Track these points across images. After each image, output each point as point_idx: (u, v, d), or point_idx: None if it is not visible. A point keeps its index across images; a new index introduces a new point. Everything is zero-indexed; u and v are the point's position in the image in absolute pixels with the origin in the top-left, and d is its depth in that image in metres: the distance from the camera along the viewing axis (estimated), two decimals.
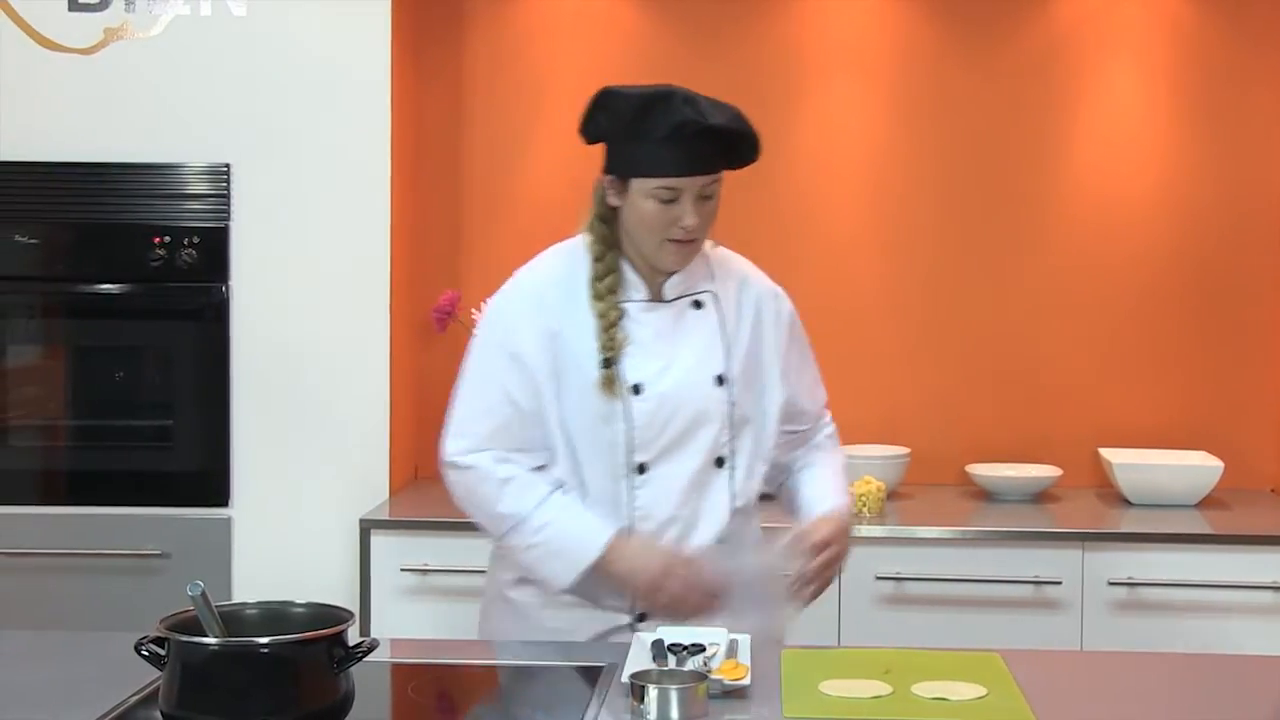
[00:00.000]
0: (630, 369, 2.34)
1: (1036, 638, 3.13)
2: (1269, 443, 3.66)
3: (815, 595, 2.36)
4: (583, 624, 2.37)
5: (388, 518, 3.34)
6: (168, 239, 3.43)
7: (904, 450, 3.60)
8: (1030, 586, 3.19)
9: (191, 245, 3.43)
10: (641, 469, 2.35)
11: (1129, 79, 3.68)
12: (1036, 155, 3.71)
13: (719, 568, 2.30)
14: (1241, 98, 3.65)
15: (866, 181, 3.69)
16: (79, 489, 3.46)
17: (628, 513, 2.34)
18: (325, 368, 3.46)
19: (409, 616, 3.26)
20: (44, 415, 3.49)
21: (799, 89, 3.70)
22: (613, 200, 2.36)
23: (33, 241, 3.44)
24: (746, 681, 2.03)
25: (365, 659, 1.87)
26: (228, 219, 3.45)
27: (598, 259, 2.37)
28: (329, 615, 1.91)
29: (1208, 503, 3.49)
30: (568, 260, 2.42)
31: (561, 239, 3.72)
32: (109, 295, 3.45)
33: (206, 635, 1.83)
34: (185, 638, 1.81)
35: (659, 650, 2.12)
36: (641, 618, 2.38)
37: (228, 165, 3.43)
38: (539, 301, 2.38)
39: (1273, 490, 3.66)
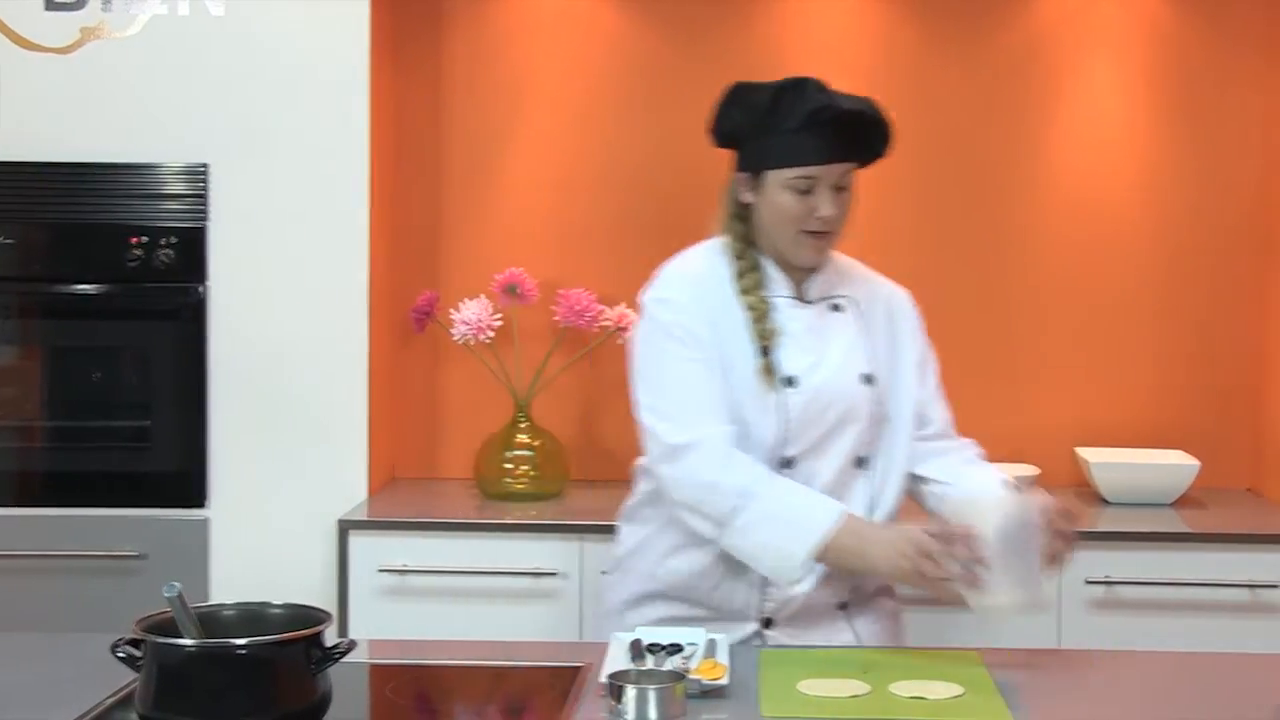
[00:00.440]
0: (784, 361, 2.34)
1: (1013, 636, 3.12)
2: (1245, 442, 3.68)
3: (1064, 559, 2.20)
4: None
5: (366, 518, 3.34)
6: (145, 239, 3.42)
7: None
8: None
9: (169, 245, 3.42)
10: (788, 463, 2.35)
11: (1108, 79, 3.69)
12: (1015, 154, 3.72)
13: (972, 533, 2.12)
14: (1219, 98, 3.67)
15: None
16: (55, 490, 3.45)
17: None
18: (303, 368, 3.45)
19: (387, 617, 3.26)
20: (20, 416, 3.48)
21: None
22: (747, 197, 2.37)
23: (8, 241, 3.43)
24: (724, 681, 2.03)
25: (343, 660, 1.87)
26: (205, 219, 3.44)
27: (738, 257, 2.38)
28: (306, 616, 1.91)
29: (1184, 501, 3.50)
30: (710, 258, 2.42)
31: (543, 239, 3.75)
32: (86, 296, 3.44)
33: (183, 636, 1.83)
34: (162, 639, 1.81)
35: (637, 650, 2.13)
36: (768, 623, 2.37)
37: (205, 165, 3.42)
38: (699, 290, 2.37)
39: (1248, 489, 3.68)
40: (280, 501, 3.44)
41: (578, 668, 2.13)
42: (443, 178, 3.78)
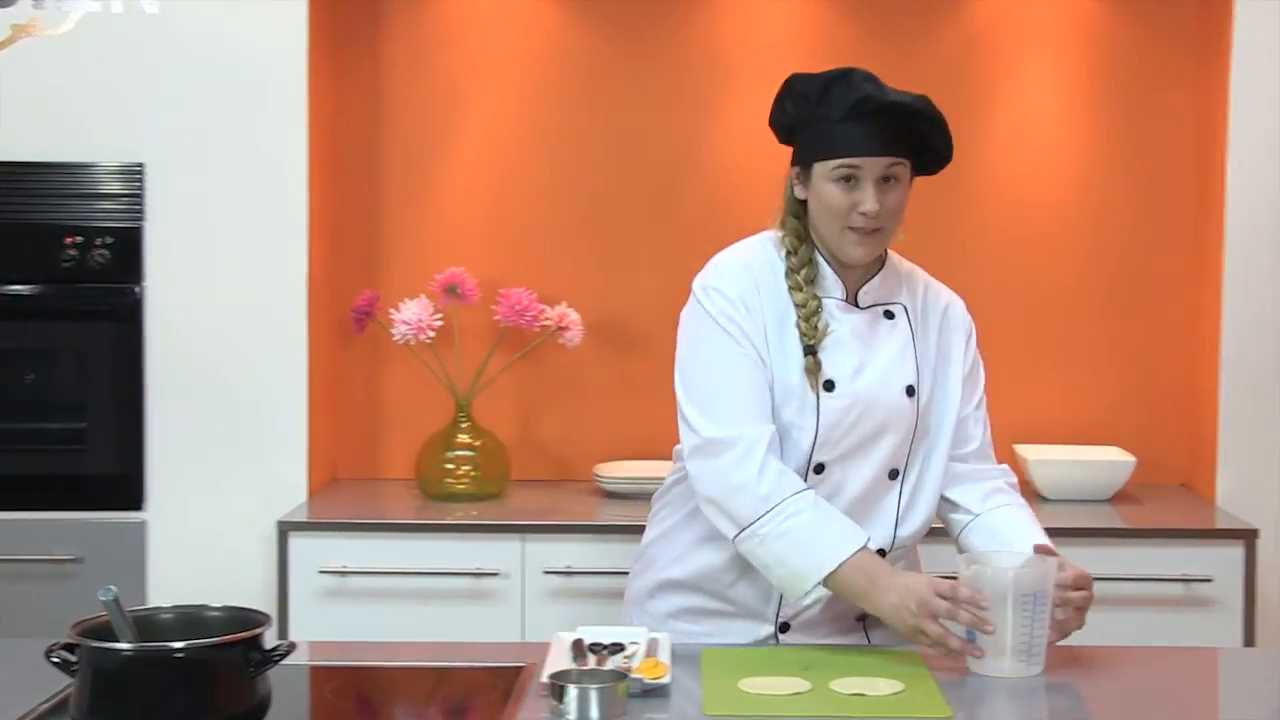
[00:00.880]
0: (826, 364, 2.29)
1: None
2: (1179, 438, 3.73)
3: (1070, 632, 2.20)
4: (721, 636, 2.35)
5: (306, 520, 3.32)
6: (80, 239, 3.38)
7: None
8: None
9: (104, 245, 3.39)
10: (819, 469, 2.31)
11: (1044, 79, 3.73)
12: (954, 156, 3.73)
13: (980, 600, 2.10)
14: (1153, 97, 3.71)
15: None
16: None
17: None
18: (242, 369, 3.42)
19: (328, 619, 3.24)
20: None
21: (721, 89, 3.72)
22: (799, 193, 2.33)
23: None
24: (666, 680, 2.03)
25: (283, 662, 1.86)
26: (142, 219, 3.40)
27: (791, 252, 2.33)
28: (245, 619, 1.90)
29: (1120, 497, 3.54)
30: (763, 251, 2.37)
31: (484, 239, 3.74)
32: (19, 296, 3.40)
33: (119, 640, 1.81)
34: (97, 643, 1.79)
35: (579, 650, 2.12)
36: (785, 628, 2.34)
37: (142, 165, 3.39)
38: (751, 282, 2.32)
39: (1182, 485, 3.72)
40: (219, 503, 3.41)
41: (519, 668, 2.13)
42: (382, 177, 3.76)
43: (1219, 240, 3.50)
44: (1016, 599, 2.09)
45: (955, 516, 2.42)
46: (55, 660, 1.81)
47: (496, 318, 3.57)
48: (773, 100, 2.35)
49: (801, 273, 2.32)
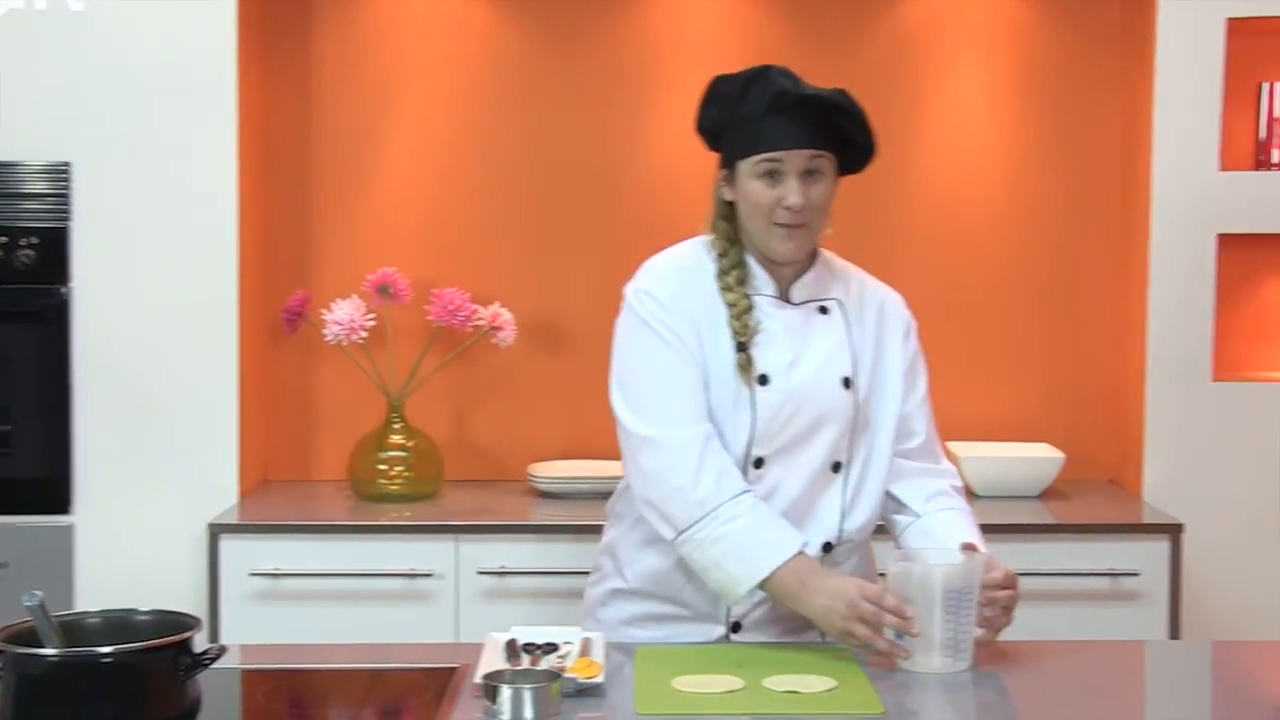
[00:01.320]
0: (759, 359, 2.31)
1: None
2: (1107, 435, 3.77)
3: (1000, 629, 2.22)
4: (673, 640, 2.35)
5: (237, 521, 3.29)
6: (4, 239, 3.33)
7: None
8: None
9: (30, 246, 3.34)
10: (758, 463, 2.32)
11: (974, 79, 3.76)
12: (884, 153, 3.73)
13: (909, 591, 2.13)
14: (1081, 97, 3.75)
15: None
16: None
17: None
18: (172, 370, 3.39)
19: (260, 622, 3.21)
20: None
21: (654, 90, 3.72)
22: (727, 194, 2.36)
23: None
24: (600, 679, 2.03)
25: (213, 666, 1.85)
26: (68, 219, 3.36)
27: (722, 254, 2.36)
28: (175, 622, 1.88)
29: (1049, 493, 3.58)
30: (694, 253, 2.39)
31: (416, 239, 3.72)
32: None
33: (45, 646, 1.79)
34: (21, 649, 1.77)
35: (512, 650, 2.12)
36: (736, 628, 2.35)
37: (68, 164, 3.35)
38: (683, 284, 2.35)
39: (1110, 480, 3.77)
40: (148, 506, 3.38)
41: (453, 669, 2.12)
42: (313, 177, 3.73)
43: (1145, 239, 3.55)
44: (943, 596, 2.12)
45: (898, 517, 2.44)
46: None
47: (429, 318, 3.55)
48: (698, 105, 2.37)
49: (732, 274, 2.34)
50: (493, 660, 2.08)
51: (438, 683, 2.07)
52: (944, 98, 3.76)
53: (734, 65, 2.38)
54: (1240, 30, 3.51)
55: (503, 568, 3.25)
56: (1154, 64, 3.50)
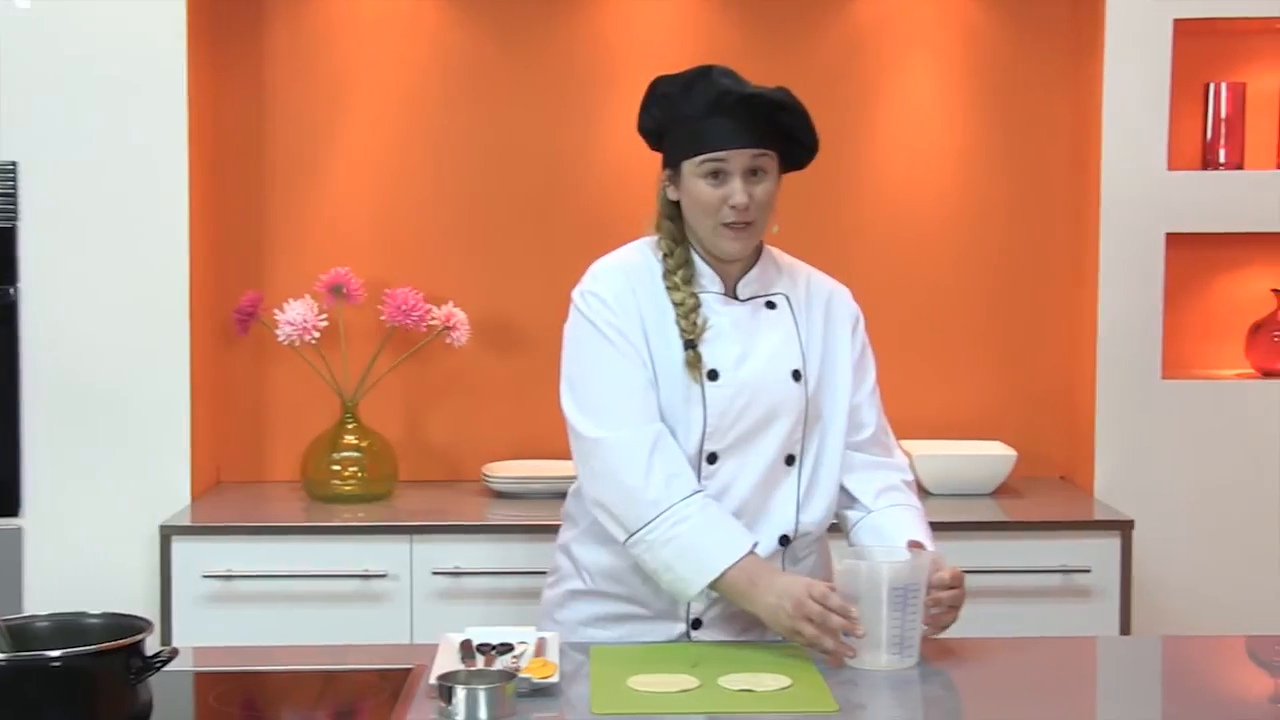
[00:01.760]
0: (708, 355, 2.32)
1: None
2: (1058, 432, 3.80)
3: (946, 626, 2.24)
4: (632, 639, 2.34)
5: (188, 523, 3.27)
6: None
7: None
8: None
9: None
10: (712, 459, 2.33)
11: (925, 79, 3.78)
12: (836, 154, 3.76)
13: (856, 589, 2.14)
14: (1031, 97, 3.78)
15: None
16: None
17: None
18: (122, 370, 3.36)
19: (212, 624, 3.20)
20: None
21: (605, 90, 3.72)
22: (672, 194, 2.36)
23: None
24: (555, 679, 2.03)
25: (165, 669, 1.83)
26: (15, 219, 3.33)
27: (668, 254, 2.36)
28: (126, 625, 1.87)
29: (1002, 491, 3.61)
30: (640, 254, 2.40)
31: (369, 239, 3.71)
32: None
33: None
34: None
35: (467, 650, 2.12)
36: (697, 624, 2.35)
37: (14, 164, 3.32)
38: (629, 285, 2.35)
39: (1062, 477, 3.80)
40: (98, 508, 3.35)
41: (408, 669, 2.12)
42: (265, 176, 3.71)
43: (1095, 238, 3.58)
44: (890, 594, 2.13)
45: (849, 512, 2.45)
46: None
47: (382, 318, 3.54)
48: (640, 106, 2.38)
49: (679, 273, 2.36)
50: (447, 661, 2.08)
51: (393, 684, 2.07)
52: (895, 97, 3.78)
53: (685, 66, 2.39)
54: (1187, 31, 3.55)
55: (457, 568, 3.25)
56: (1102, 64, 3.53)
